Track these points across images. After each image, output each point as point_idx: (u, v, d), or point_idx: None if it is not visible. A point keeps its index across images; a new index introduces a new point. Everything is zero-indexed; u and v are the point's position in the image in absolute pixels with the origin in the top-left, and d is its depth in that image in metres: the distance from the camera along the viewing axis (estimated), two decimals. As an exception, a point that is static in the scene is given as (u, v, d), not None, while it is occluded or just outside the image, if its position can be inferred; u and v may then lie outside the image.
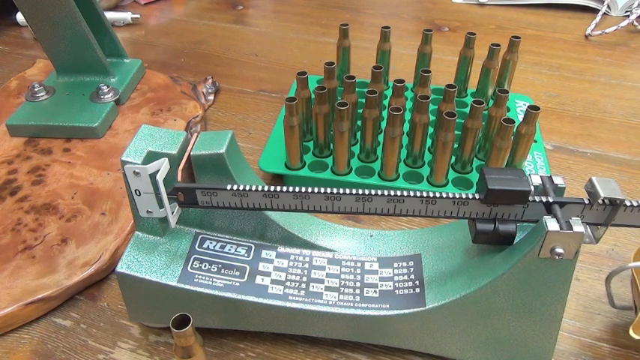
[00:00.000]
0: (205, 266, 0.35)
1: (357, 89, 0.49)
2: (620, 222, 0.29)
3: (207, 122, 0.60)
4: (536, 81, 0.69)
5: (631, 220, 0.29)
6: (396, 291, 0.34)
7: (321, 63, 0.51)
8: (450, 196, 0.30)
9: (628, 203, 0.29)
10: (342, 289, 0.35)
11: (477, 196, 0.30)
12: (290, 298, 0.34)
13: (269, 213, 0.36)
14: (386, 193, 0.30)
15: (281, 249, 0.37)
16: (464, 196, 0.30)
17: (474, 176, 0.48)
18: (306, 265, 0.36)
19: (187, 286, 0.33)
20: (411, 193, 0.30)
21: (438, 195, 0.30)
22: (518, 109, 0.58)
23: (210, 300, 0.34)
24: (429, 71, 0.48)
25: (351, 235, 0.39)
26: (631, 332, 0.33)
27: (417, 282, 0.34)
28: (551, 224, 0.27)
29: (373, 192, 0.30)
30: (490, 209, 0.30)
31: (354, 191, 0.30)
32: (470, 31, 0.55)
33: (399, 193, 0.30)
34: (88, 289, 0.41)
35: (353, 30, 0.58)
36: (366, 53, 0.69)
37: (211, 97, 0.64)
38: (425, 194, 0.30)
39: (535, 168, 0.50)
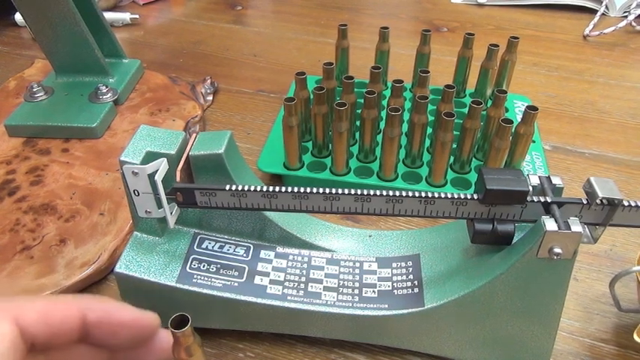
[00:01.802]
0: (204, 266, 0.35)
1: (355, 89, 0.49)
2: (619, 222, 0.29)
3: (206, 122, 0.60)
4: (534, 81, 0.69)
5: (629, 220, 0.29)
6: (395, 291, 0.34)
7: (320, 63, 0.50)
8: (449, 196, 0.30)
9: (626, 203, 0.29)
10: (341, 289, 0.35)
11: (475, 197, 0.30)
12: (289, 298, 0.34)
13: (268, 213, 0.36)
14: (385, 193, 0.30)
15: (280, 249, 0.37)
16: (462, 196, 0.30)
17: (473, 176, 0.48)
18: (305, 266, 0.36)
19: (186, 287, 0.33)
20: (410, 194, 0.30)
21: (436, 195, 0.30)
22: (516, 109, 0.58)
23: (209, 300, 0.34)
24: (428, 71, 0.48)
25: (350, 235, 0.39)
26: (635, 337, 0.33)
27: (416, 282, 0.34)
28: (550, 224, 0.27)
29: (372, 192, 0.30)
30: (488, 209, 0.30)
31: (352, 191, 0.30)
32: (468, 32, 0.55)
33: (397, 193, 0.30)
34: (86, 289, 0.41)
35: (352, 30, 0.58)
36: (364, 53, 0.69)
37: (210, 98, 0.64)
38: (423, 194, 0.30)
39: (533, 168, 0.50)
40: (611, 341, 0.37)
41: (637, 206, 0.29)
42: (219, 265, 0.35)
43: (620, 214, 0.29)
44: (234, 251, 0.36)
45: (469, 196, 0.30)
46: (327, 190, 0.30)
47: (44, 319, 0.21)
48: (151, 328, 0.23)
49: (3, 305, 0.20)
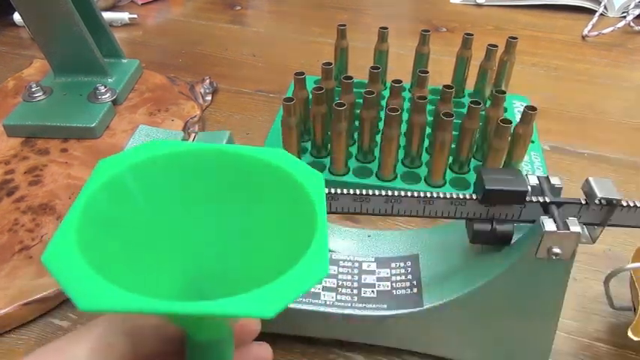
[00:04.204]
0: (203, 266, 0.34)
1: (354, 90, 0.49)
2: (617, 222, 0.30)
3: (205, 122, 0.60)
4: (533, 81, 0.69)
5: (628, 221, 0.29)
6: (394, 291, 0.34)
7: (319, 63, 0.51)
8: (448, 196, 0.30)
9: (625, 203, 0.29)
10: (340, 289, 0.35)
11: (474, 197, 0.30)
12: (288, 298, 0.34)
13: (267, 213, 0.36)
14: (383, 193, 0.30)
15: (279, 249, 0.37)
16: (461, 196, 0.30)
17: (472, 177, 0.48)
18: (304, 266, 0.36)
19: (185, 287, 0.33)
20: (409, 194, 0.30)
21: (435, 195, 0.30)
22: (515, 109, 0.59)
23: (208, 300, 0.34)
24: (427, 72, 0.48)
25: (349, 235, 0.39)
26: (630, 334, 0.33)
27: (415, 282, 0.34)
28: (548, 224, 0.27)
29: (371, 192, 0.30)
30: (487, 209, 0.30)
31: (351, 191, 0.30)
32: (467, 32, 0.55)
33: (396, 193, 0.30)
34: (85, 289, 0.41)
35: (351, 30, 0.58)
36: (363, 54, 0.69)
37: (209, 98, 0.64)
38: (422, 194, 0.30)
39: (532, 168, 0.50)
40: (608, 341, 0.37)
41: (635, 206, 0.29)
42: (218, 265, 0.35)
43: (618, 214, 0.29)
44: (233, 251, 0.36)
45: (468, 196, 0.30)
46: (326, 190, 0.30)
47: (158, 333, 0.22)
48: (251, 333, 0.24)
49: (119, 320, 0.22)
